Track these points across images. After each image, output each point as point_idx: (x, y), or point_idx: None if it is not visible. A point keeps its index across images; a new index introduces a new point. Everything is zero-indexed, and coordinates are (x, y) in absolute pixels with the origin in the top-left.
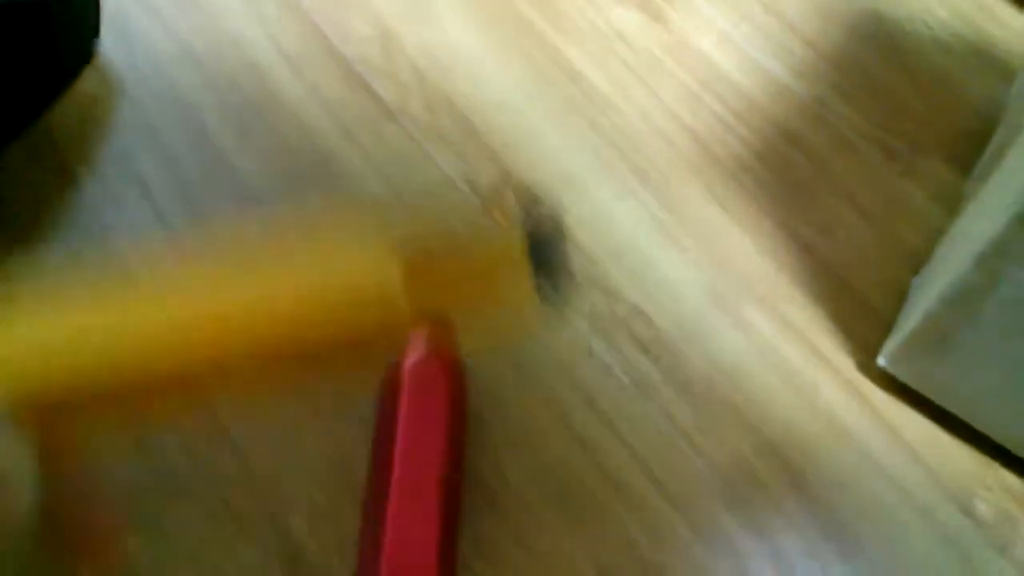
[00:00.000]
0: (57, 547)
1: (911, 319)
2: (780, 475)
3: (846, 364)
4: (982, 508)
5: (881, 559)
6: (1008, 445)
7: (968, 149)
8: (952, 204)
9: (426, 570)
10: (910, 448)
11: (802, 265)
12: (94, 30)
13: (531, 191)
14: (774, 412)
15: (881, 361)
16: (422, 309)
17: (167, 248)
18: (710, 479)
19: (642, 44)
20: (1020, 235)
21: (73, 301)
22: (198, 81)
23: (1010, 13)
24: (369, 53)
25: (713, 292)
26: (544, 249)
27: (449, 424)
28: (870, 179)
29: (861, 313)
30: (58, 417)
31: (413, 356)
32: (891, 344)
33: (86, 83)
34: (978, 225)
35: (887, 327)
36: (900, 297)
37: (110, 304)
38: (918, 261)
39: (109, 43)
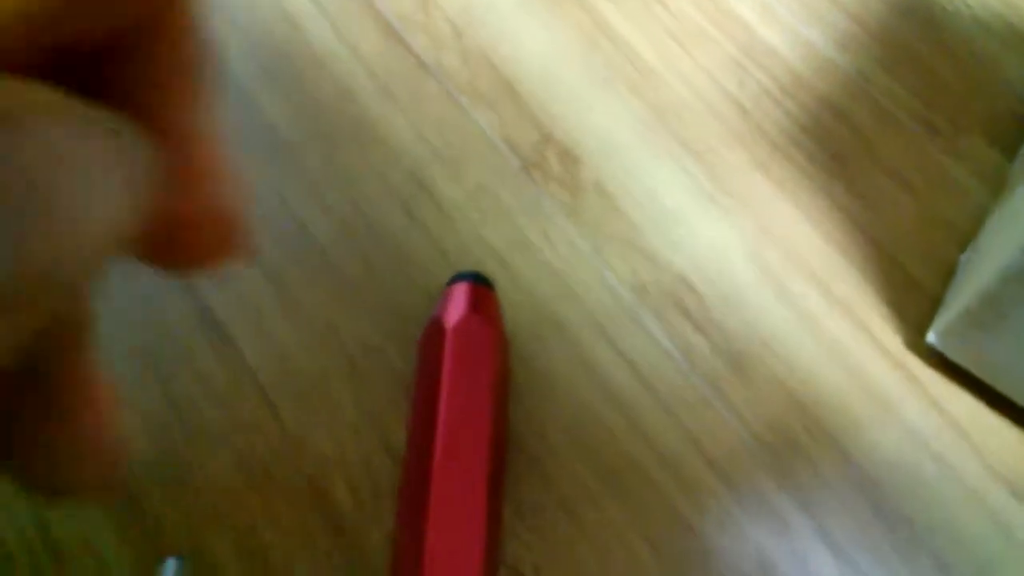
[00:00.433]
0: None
1: (962, 296)
2: (827, 450)
3: (893, 341)
4: None
5: (929, 536)
6: None
7: (1010, 130)
8: (996, 183)
9: (473, 534)
10: (958, 427)
11: (848, 239)
12: None
13: (572, 153)
14: (821, 387)
15: (930, 338)
16: None
17: None
18: (758, 453)
19: (685, 12)
20: None
21: None
22: (231, 30)
23: None
24: (405, 8)
25: (759, 263)
26: None
27: (494, 385)
28: (914, 155)
29: (908, 289)
30: None
31: (456, 313)
32: (941, 321)
33: None
34: None
35: (934, 304)
36: (947, 274)
37: None
38: (964, 239)
39: None
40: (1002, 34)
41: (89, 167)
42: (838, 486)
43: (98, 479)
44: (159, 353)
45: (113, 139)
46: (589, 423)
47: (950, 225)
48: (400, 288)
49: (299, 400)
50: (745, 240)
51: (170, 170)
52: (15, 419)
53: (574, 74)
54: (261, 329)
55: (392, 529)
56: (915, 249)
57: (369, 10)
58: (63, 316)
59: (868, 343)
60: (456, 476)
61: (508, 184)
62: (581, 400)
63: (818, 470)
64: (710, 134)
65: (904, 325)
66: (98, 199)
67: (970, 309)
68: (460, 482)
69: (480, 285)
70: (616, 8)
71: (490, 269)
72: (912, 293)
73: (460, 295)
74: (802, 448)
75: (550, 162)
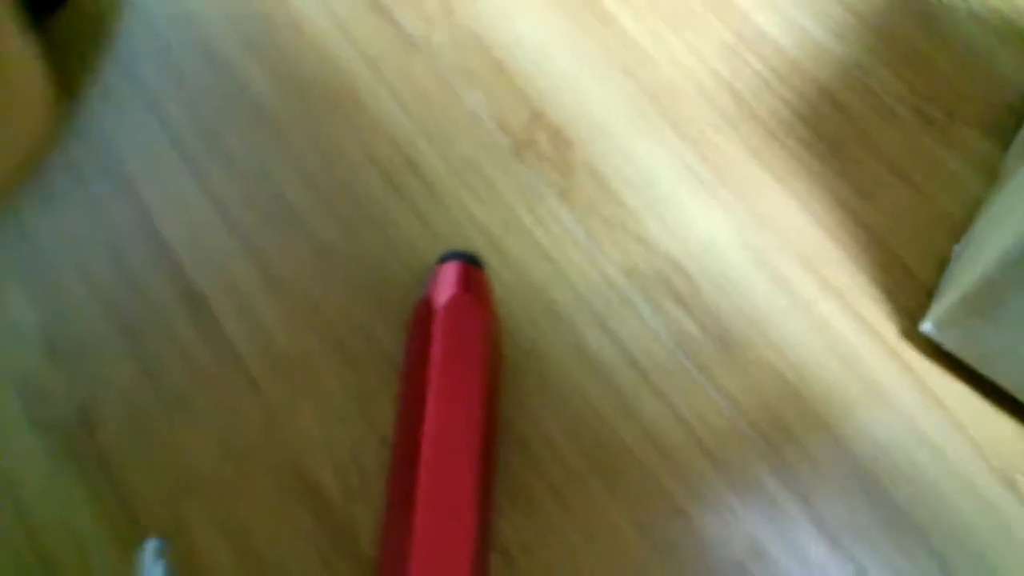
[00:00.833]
0: None
1: (957, 285)
2: (820, 437)
3: (888, 329)
4: None
5: (923, 526)
6: None
7: (1005, 123)
8: (990, 175)
9: (464, 518)
10: (953, 418)
11: (842, 227)
12: None
13: (563, 134)
14: (815, 375)
15: (926, 327)
16: None
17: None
18: (750, 438)
19: None
20: None
21: None
22: (214, 1)
23: None
24: None
25: (753, 249)
26: None
27: (485, 367)
28: (910, 145)
29: (902, 278)
30: None
31: (446, 293)
32: (937, 310)
33: None
34: None
35: (928, 294)
36: (940, 264)
37: None
38: (958, 229)
39: None
40: (997, 28)
41: None
42: (831, 472)
43: None
44: (139, 329)
45: None
46: (579, 406)
47: (945, 215)
48: (388, 267)
49: (283, 379)
50: (738, 225)
51: None
52: None
53: (566, 55)
54: (244, 306)
55: (380, 512)
56: (909, 238)
57: None
58: None
59: (862, 331)
60: (446, 459)
61: (498, 164)
62: (572, 383)
63: (811, 456)
64: (703, 119)
65: (898, 313)
66: None
67: (967, 296)
68: (450, 465)
69: (471, 264)
70: None
71: (479, 249)
72: (906, 282)
73: (450, 274)
74: (794, 434)
75: (541, 143)
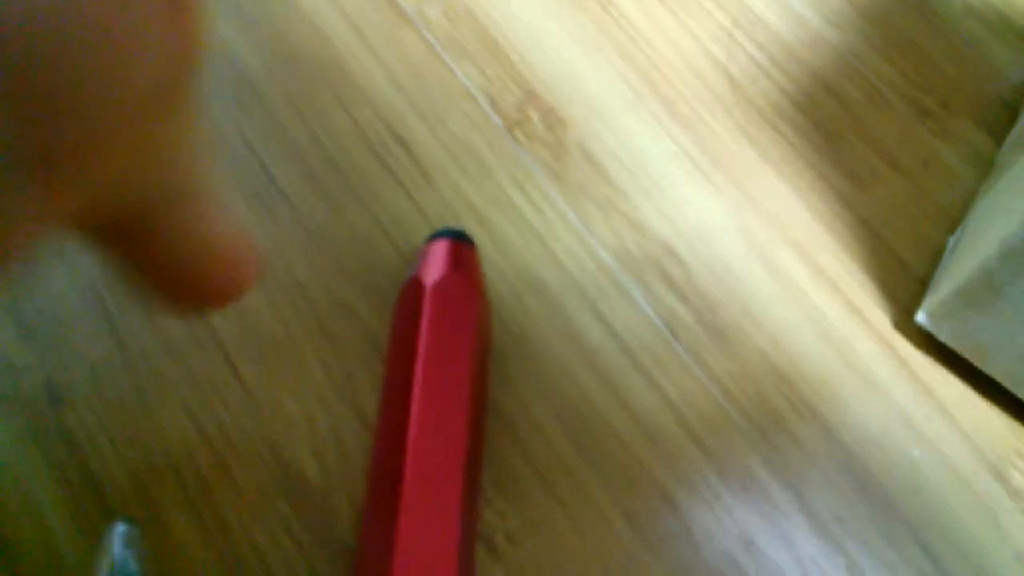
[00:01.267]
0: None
1: (952, 276)
2: (812, 427)
3: (881, 320)
4: (1016, 477)
5: (913, 518)
6: None
7: (999, 116)
8: (984, 167)
9: (450, 507)
10: (945, 410)
11: (836, 216)
12: None
13: (556, 114)
14: (808, 363)
15: (920, 318)
16: None
17: None
18: (742, 426)
19: None
20: None
21: None
22: None
23: None
24: None
25: (746, 234)
26: None
27: (475, 349)
28: (904, 135)
29: (896, 269)
30: None
31: (435, 271)
32: (932, 300)
33: None
34: None
35: (921, 285)
36: (934, 255)
37: None
38: (952, 221)
39: None
40: (990, 21)
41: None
42: (822, 463)
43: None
44: (113, 303)
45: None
46: (569, 391)
47: (939, 207)
48: (374, 245)
49: (262, 360)
50: (732, 211)
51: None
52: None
53: (561, 34)
54: None
55: (360, 498)
56: (903, 229)
57: None
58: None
59: (855, 321)
60: (433, 443)
61: (489, 142)
62: (561, 367)
63: (802, 446)
64: (698, 102)
65: (892, 304)
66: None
67: (964, 287)
68: (437, 450)
69: (462, 242)
70: None
71: (469, 228)
72: (900, 273)
73: (440, 252)
74: (786, 423)
75: (533, 122)
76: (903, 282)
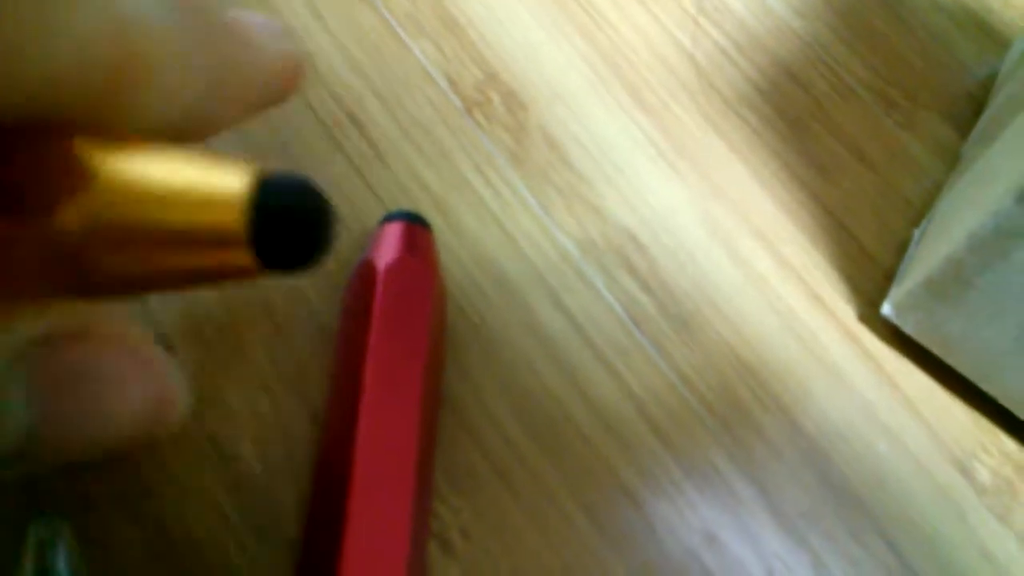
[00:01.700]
0: None
1: (920, 268)
2: (776, 419)
3: (846, 312)
4: (981, 472)
5: (878, 512)
6: (1013, 408)
7: (965, 110)
8: (951, 161)
9: (401, 503)
10: (910, 404)
11: (801, 206)
12: None
13: (517, 96)
14: (772, 355)
15: (886, 310)
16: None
17: None
18: (705, 419)
19: None
20: None
21: None
22: None
23: None
24: None
25: (711, 223)
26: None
27: (429, 336)
28: (870, 127)
29: (861, 261)
30: None
31: (388, 255)
32: (898, 293)
33: None
34: (1016, 162)
35: (887, 278)
36: (900, 248)
37: None
38: (917, 214)
39: None
40: (956, 15)
41: None
42: (786, 456)
43: None
44: None
45: None
46: (528, 382)
47: (905, 200)
48: None
49: (203, 345)
50: (696, 199)
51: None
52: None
53: (523, 14)
54: None
55: (306, 493)
56: (869, 221)
57: None
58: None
59: (820, 313)
60: (384, 436)
61: (448, 123)
62: (520, 357)
63: (766, 439)
64: (663, 89)
65: (857, 297)
66: None
67: (931, 278)
68: (387, 444)
69: (417, 225)
70: None
71: (425, 212)
72: (865, 265)
73: (394, 235)
74: (750, 415)
75: (494, 104)
76: (868, 274)
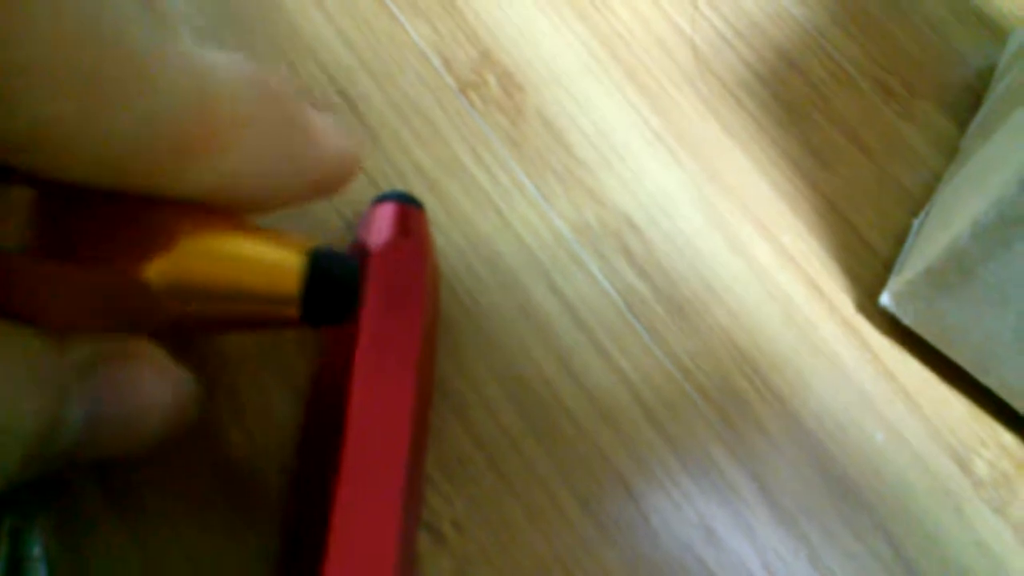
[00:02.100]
0: None
1: (920, 258)
2: (774, 409)
3: (844, 302)
4: (979, 465)
5: (876, 505)
6: (1012, 401)
7: (963, 101)
8: (949, 152)
9: (390, 493)
10: (908, 396)
11: (799, 194)
12: None
13: (514, 78)
14: (770, 344)
15: (884, 300)
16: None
17: None
18: (703, 410)
19: None
20: None
21: None
22: None
23: None
24: None
25: (708, 209)
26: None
27: (423, 321)
28: (870, 116)
29: (860, 251)
30: None
31: (381, 236)
32: (897, 283)
33: None
34: (1019, 151)
35: (886, 268)
36: (898, 238)
37: None
38: (916, 203)
39: None
40: (955, 5)
41: None
42: (784, 447)
43: None
44: None
45: None
46: (523, 368)
47: (904, 189)
48: (314, 209)
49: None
50: (694, 184)
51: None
52: None
53: None
54: None
55: (291, 477)
56: (868, 210)
57: None
58: None
59: (818, 302)
60: (375, 422)
61: (442, 104)
62: (514, 343)
63: (764, 429)
64: (661, 73)
65: (855, 287)
66: None
67: (932, 268)
68: (378, 431)
69: (410, 207)
70: None
71: (420, 194)
72: (864, 255)
73: (386, 216)
74: (747, 405)
75: (489, 84)
76: (867, 263)
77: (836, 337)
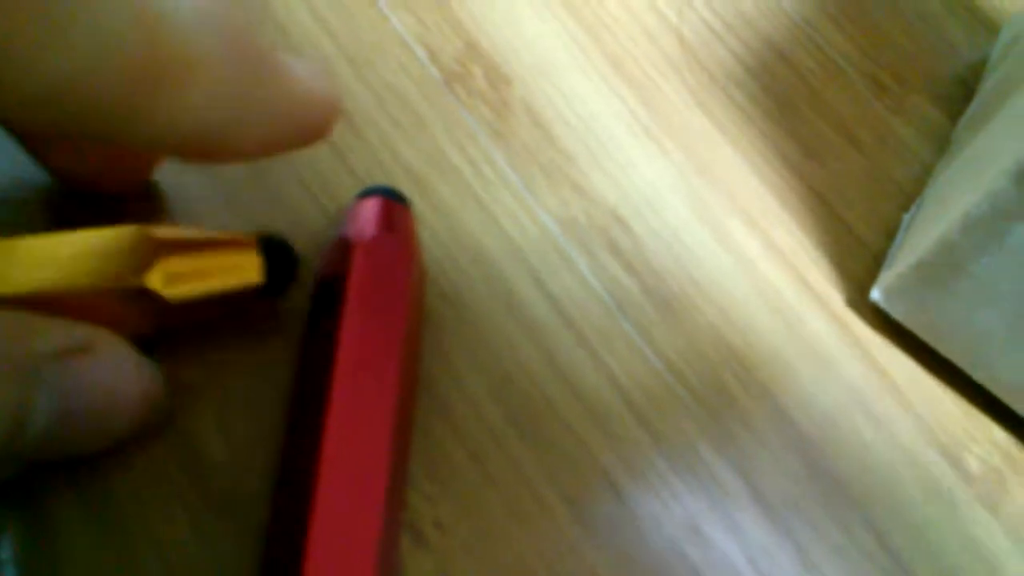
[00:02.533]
0: None
1: (911, 252)
2: (762, 405)
3: (834, 297)
4: (969, 460)
5: (865, 502)
6: (1003, 397)
7: (955, 94)
8: (941, 146)
9: (371, 494)
10: (898, 392)
11: (789, 187)
12: None
13: (500, 70)
14: (758, 340)
15: (874, 295)
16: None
17: None
18: (691, 407)
19: None
20: None
21: None
22: None
23: None
24: None
25: (697, 203)
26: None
27: (407, 317)
28: (860, 110)
29: (850, 244)
30: None
31: (365, 231)
32: (887, 277)
33: None
34: (1012, 143)
35: (876, 262)
36: (889, 232)
37: None
38: (907, 198)
39: None
40: None
41: None
42: (772, 444)
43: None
44: None
45: None
46: (508, 366)
47: (895, 183)
48: (297, 206)
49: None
50: (681, 177)
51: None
52: None
53: None
54: None
55: (271, 479)
56: (858, 204)
57: None
58: None
59: (808, 297)
60: (355, 422)
61: (426, 96)
62: (500, 340)
63: (752, 426)
64: (648, 64)
65: (845, 281)
66: None
67: (923, 262)
68: (360, 430)
69: (395, 201)
70: None
71: (403, 187)
72: (854, 249)
73: (371, 211)
74: (736, 401)
75: (475, 77)
76: (857, 258)
77: (825, 332)
